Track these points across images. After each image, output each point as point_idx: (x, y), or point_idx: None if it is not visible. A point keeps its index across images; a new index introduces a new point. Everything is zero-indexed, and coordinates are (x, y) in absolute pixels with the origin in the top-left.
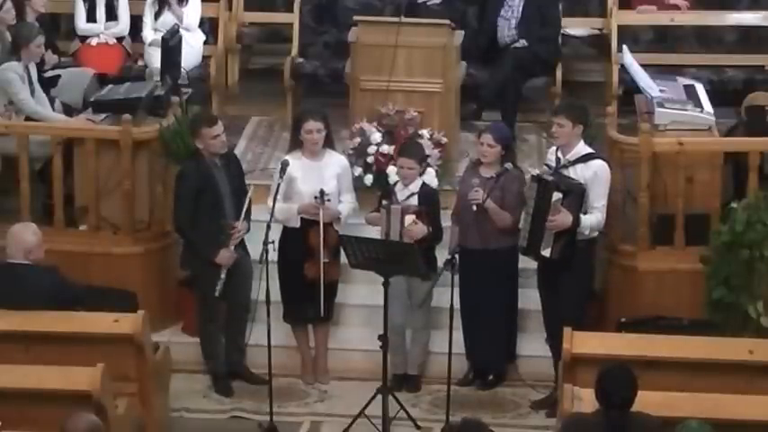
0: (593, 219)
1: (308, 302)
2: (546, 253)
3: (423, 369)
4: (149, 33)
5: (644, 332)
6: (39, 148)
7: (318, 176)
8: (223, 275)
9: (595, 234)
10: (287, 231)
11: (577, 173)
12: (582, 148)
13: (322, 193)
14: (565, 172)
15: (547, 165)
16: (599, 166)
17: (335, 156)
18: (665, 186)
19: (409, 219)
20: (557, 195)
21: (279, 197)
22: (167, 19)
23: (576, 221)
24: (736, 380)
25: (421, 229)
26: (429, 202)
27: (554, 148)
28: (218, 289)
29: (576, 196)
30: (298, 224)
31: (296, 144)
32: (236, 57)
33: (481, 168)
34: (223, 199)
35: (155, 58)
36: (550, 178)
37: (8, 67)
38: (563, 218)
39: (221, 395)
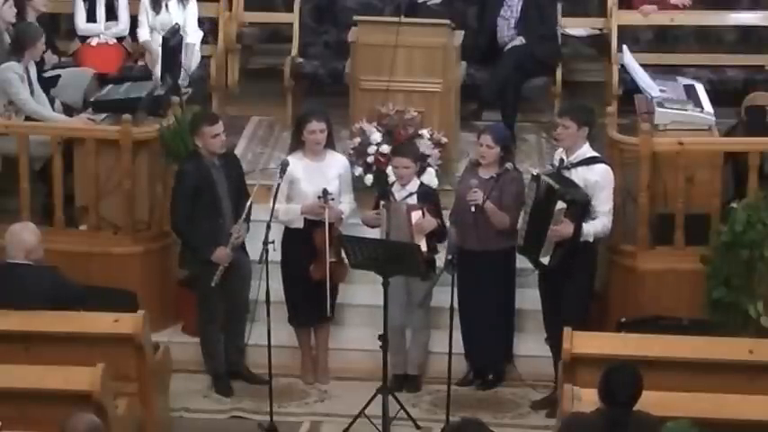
0: (597, 224)
1: (314, 304)
2: (545, 260)
3: (423, 369)
4: (144, 32)
5: (644, 332)
6: (39, 148)
7: (321, 177)
8: (221, 269)
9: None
10: (289, 232)
11: (579, 175)
12: (586, 151)
13: (325, 192)
14: (566, 174)
15: (551, 165)
16: (603, 170)
17: (337, 156)
18: (665, 186)
19: (417, 215)
20: (560, 205)
21: (281, 198)
22: (165, 18)
23: (578, 232)
24: (736, 380)
25: (430, 222)
26: (429, 202)
27: (561, 149)
28: (215, 280)
29: (580, 207)
30: (301, 225)
31: (298, 144)
32: (236, 57)
33: (480, 169)
34: (221, 199)
35: (149, 57)
36: (557, 186)
37: (8, 67)
38: (565, 228)
39: (221, 395)
